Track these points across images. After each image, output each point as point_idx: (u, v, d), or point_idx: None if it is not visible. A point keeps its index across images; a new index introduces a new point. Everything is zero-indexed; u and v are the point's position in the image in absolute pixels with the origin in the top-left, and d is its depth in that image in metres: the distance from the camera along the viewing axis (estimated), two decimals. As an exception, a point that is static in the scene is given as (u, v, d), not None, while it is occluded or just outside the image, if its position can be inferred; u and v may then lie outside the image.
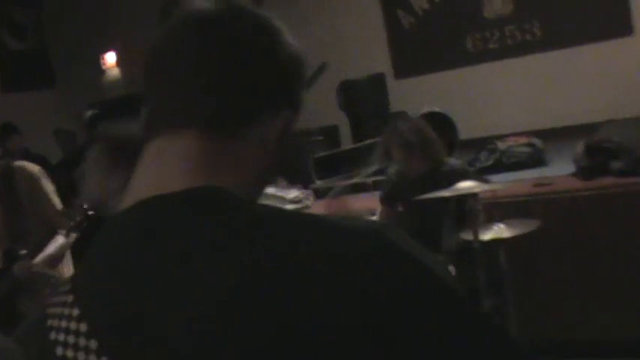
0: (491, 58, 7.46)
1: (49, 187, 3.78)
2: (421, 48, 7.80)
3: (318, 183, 6.15)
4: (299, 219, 0.85)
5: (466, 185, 3.67)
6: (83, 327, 0.82)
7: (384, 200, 4.54)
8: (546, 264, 4.61)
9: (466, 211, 3.73)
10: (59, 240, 3.61)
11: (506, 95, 7.29)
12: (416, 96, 7.26)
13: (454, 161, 4.47)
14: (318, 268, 0.77)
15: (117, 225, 0.89)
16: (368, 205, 4.84)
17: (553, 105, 7.03)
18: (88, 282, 0.87)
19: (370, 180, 5.81)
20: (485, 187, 3.75)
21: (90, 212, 3.40)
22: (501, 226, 3.89)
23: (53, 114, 9.98)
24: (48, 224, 3.59)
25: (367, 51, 7.88)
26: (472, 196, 3.75)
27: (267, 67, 0.94)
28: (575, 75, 7.00)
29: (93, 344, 0.81)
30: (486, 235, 3.86)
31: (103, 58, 11.02)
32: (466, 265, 3.87)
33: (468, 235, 3.87)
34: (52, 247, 3.63)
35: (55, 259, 3.70)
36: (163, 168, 0.90)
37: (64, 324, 0.84)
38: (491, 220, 4.10)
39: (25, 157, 5.53)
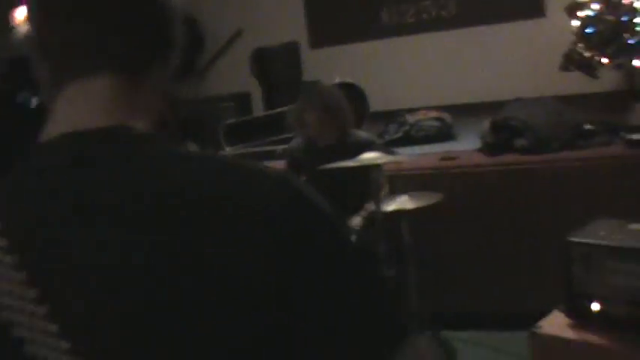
0: (406, 32, 7.49)
1: None
2: (337, 18, 7.76)
3: (228, 150, 6.08)
4: (209, 158, 0.92)
5: (370, 156, 3.68)
6: (3, 242, 0.86)
7: (288, 167, 4.52)
8: (449, 237, 4.69)
9: (370, 182, 3.74)
10: None
11: (418, 70, 7.34)
12: (330, 66, 7.23)
13: (361, 133, 4.48)
14: (226, 206, 0.84)
15: (41, 153, 0.94)
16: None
17: (464, 81, 7.12)
18: (11, 204, 0.91)
19: (280, 148, 5.77)
20: (389, 159, 3.76)
21: None
22: (405, 198, 3.94)
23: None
24: None
25: (283, 19, 7.80)
26: (376, 167, 3.78)
27: (164, 15, 1.00)
28: (487, 53, 7.10)
29: (9, 259, 0.85)
30: (389, 207, 3.91)
31: (11, 15, 10.58)
32: (369, 235, 3.89)
33: (371, 206, 3.91)
34: None
35: None
36: (82, 107, 0.94)
37: None
38: (394, 192, 4.14)
39: None
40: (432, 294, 4.28)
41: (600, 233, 2.70)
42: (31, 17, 1.03)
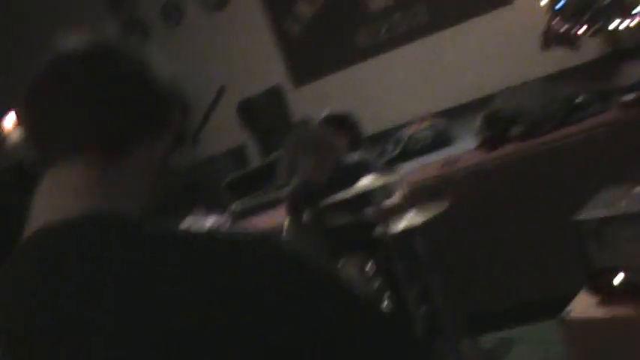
0: (383, 49, 7.47)
1: None
2: (313, 53, 7.77)
3: (234, 206, 6.06)
4: (187, 236, 0.94)
5: (365, 182, 3.63)
6: None
7: (289, 211, 4.46)
8: (465, 240, 4.64)
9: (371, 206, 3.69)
10: None
11: (403, 83, 7.31)
12: (316, 101, 7.20)
13: (354, 155, 4.44)
14: (213, 274, 0.86)
15: (19, 254, 0.94)
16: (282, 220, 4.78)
17: (450, 84, 7.08)
18: None
19: (283, 193, 5.74)
20: (382, 180, 3.70)
21: None
22: (412, 213, 3.88)
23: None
24: None
25: (262, 66, 7.80)
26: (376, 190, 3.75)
27: (139, 96, 1.03)
28: (466, 51, 7.06)
29: None
30: (399, 226, 3.85)
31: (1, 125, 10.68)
32: (384, 258, 3.83)
33: (381, 230, 3.86)
34: None
35: None
36: (58, 196, 0.96)
37: None
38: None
39: None
40: (460, 301, 4.23)
41: (606, 204, 2.63)
42: (20, 118, 1.04)
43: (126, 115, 1.00)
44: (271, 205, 5.86)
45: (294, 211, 4.35)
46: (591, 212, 2.61)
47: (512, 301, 4.53)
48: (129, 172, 1.01)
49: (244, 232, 0.97)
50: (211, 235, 0.97)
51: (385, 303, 3.57)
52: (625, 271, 2.54)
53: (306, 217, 4.37)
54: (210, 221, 5.68)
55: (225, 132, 7.58)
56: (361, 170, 3.89)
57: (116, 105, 1.00)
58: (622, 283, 2.54)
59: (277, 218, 5.16)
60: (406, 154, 5.61)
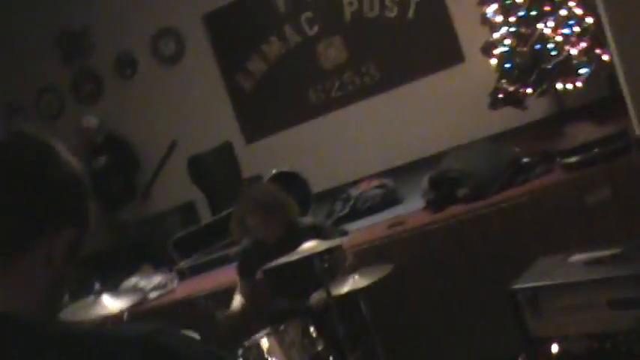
0: (335, 106, 7.54)
1: None
2: (266, 109, 7.81)
3: (182, 264, 6.00)
4: (79, 335, 0.94)
5: (308, 246, 3.61)
6: None
7: (240, 273, 4.43)
8: (409, 303, 4.63)
9: (319, 269, 3.66)
10: None
11: (354, 141, 7.38)
12: (268, 157, 7.25)
13: (306, 219, 4.44)
14: None
15: None
16: (232, 278, 4.74)
17: (400, 142, 7.15)
18: None
19: (233, 251, 5.70)
20: (326, 244, 3.69)
21: None
22: (356, 276, 3.86)
23: None
24: None
25: (215, 121, 7.83)
26: (326, 252, 3.74)
27: (41, 189, 0.99)
28: (416, 109, 7.16)
29: None
30: (343, 289, 3.83)
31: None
32: (328, 321, 3.79)
33: (317, 296, 3.85)
34: None
35: None
36: None
37: None
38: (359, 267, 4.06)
39: None
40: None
41: (542, 273, 2.65)
42: None
43: (19, 214, 0.98)
44: (220, 262, 5.81)
45: (247, 273, 4.33)
46: (526, 281, 2.63)
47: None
48: (24, 270, 0.98)
49: (135, 328, 0.97)
50: (99, 334, 0.96)
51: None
52: (561, 341, 2.55)
53: (255, 279, 4.35)
54: (156, 280, 5.61)
55: (175, 187, 7.56)
56: (312, 235, 3.87)
57: (16, 201, 0.98)
58: (559, 353, 2.55)
59: (226, 277, 5.13)
60: (355, 213, 5.61)
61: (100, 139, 7.98)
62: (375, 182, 5.81)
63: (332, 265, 4.12)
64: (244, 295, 4.35)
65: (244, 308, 4.26)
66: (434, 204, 4.78)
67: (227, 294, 4.53)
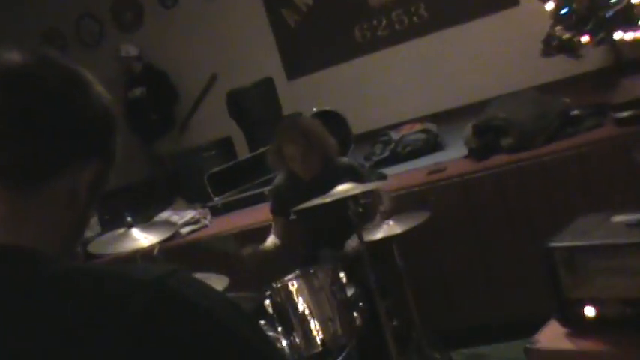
0: (381, 46, 7.43)
1: None
2: (310, 45, 7.72)
3: (216, 200, 6.04)
4: (92, 274, 0.91)
5: (344, 188, 3.59)
6: None
7: (273, 211, 4.45)
8: (445, 252, 4.62)
9: (353, 213, 3.64)
10: None
11: (399, 82, 7.27)
12: (309, 95, 7.21)
13: (343, 159, 4.42)
14: (103, 317, 0.86)
15: None
16: (266, 217, 4.77)
17: (446, 86, 7.04)
18: None
19: (267, 189, 5.72)
20: (362, 187, 3.67)
21: None
22: (391, 222, 3.86)
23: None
24: None
25: (256, 56, 7.78)
26: (363, 195, 3.74)
27: (65, 118, 0.97)
28: (465, 53, 7.02)
29: None
30: (377, 234, 3.83)
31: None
32: (359, 266, 3.80)
33: (353, 242, 3.86)
34: None
35: None
36: None
37: None
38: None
39: None
40: (433, 315, 4.22)
41: (581, 232, 2.60)
42: None
43: (43, 142, 0.95)
44: (255, 201, 5.83)
45: (281, 212, 4.34)
46: (564, 239, 2.59)
47: (487, 318, 4.51)
48: (46, 203, 0.96)
49: (146, 270, 0.94)
50: (105, 274, 0.92)
51: (357, 315, 3.55)
52: (596, 304, 2.51)
53: (289, 218, 4.37)
54: (189, 215, 5.66)
55: (213, 122, 7.58)
56: (349, 177, 3.85)
57: (42, 129, 0.95)
58: (593, 316, 2.52)
59: (260, 216, 5.15)
60: (395, 157, 5.58)
61: (138, 68, 8.01)
62: (418, 127, 5.75)
63: (367, 210, 4.13)
64: (277, 234, 4.37)
65: (276, 247, 4.28)
66: (476, 152, 4.73)
67: (260, 233, 4.56)
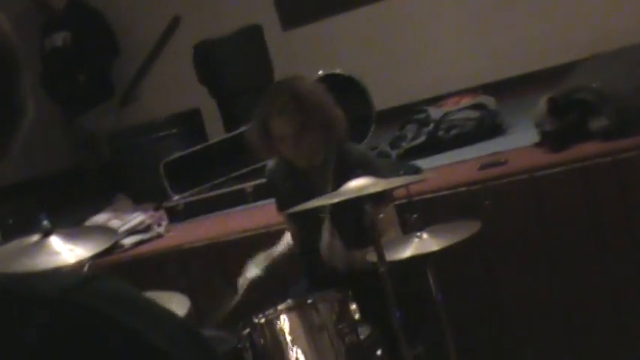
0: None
1: None
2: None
3: (176, 199, 6.03)
4: None
5: (357, 184, 3.55)
6: None
7: (278, 208, 4.44)
8: (502, 281, 4.63)
9: (369, 220, 3.61)
10: None
11: (440, 39, 7.30)
12: (312, 52, 7.24)
13: (355, 147, 4.40)
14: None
15: None
16: (245, 225, 4.75)
17: (508, 44, 7.06)
18: None
19: (249, 185, 5.71)
20: (383, 184, 3.63)
21: None
22: (424, 235, 3.81)
23: None
24: None
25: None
26: (373, 200, 3.69)
27: None
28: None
29: None
30: (405, 252, 3.78)
31: None
32: (379, 299, 3.76)
33: (373, 256, 3.80)
34: None
35: None
36: None
37: None
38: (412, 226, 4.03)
39: None
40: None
41: None
42: None
43: None
44: (232, 202, 5.85)
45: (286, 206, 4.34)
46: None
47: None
48: None
49: (51, 280, 0.97)
50: (5, 288, 0.97)
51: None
52: None
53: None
54: (135, 219, 5.64)
55: (173, 88, 7.58)
56: (366, 169, 3.83)
57: None
58: None
59: (242, 222, 5.16)
60: (434, 144, 5.57)
61: (61, 5, 7.96)
62: (468, 100, 5.74)
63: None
64: (291, 230, 4.41)
65: (291, 252, 4.37)
66: (554, 138, 4.71)
67: (242, 247, 4.55)
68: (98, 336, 0.91)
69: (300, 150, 4.16)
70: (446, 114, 5.66)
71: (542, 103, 4.81)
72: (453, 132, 5.58)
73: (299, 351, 3.43)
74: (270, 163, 4.46)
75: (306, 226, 4.27)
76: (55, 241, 3.82)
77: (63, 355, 0.89)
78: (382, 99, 6.13)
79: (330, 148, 4.20)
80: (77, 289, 0.94)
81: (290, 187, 4.06)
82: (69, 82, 7.88)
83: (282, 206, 4.34)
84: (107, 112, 8.05)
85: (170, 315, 1.00)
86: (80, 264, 3.82)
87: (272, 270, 4.19)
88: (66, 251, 3.79)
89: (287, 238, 4.39)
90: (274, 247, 4.35)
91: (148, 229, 5.61)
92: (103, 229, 5.02)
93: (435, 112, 5.69)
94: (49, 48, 7.86)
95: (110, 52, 8.09)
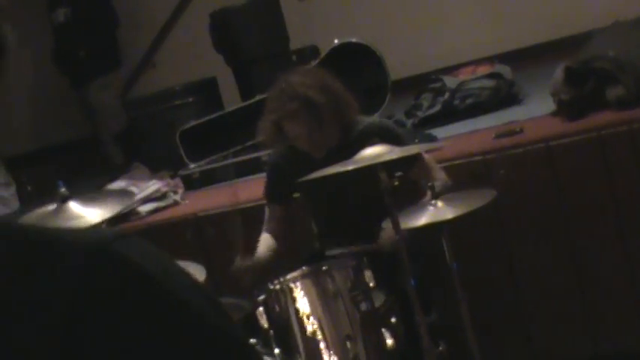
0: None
1: None
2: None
3: (192, 167, 6.03)
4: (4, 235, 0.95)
5: (372, 152, 3.56)
6: None
7: (269, 197, 4.42)
8: (516, 250, 4.62)
9: (385, 188, 3.62)
10: None
11: (453, 9, 7.28)
12: (329, 20, 7.22)
13: (368, 119, 4.39)
14: (23, 293, 0.89)
15: None
16: (261, 193, 4.76)
17: (525, 12, 7.03)
18: None
19: (265, 154, 5.70)
20: (398, 151, 3.64)
21: None
22: (439, 203, 3.82)
23: None
24: None
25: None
26: (400, 165, 3.71)
27: None
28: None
29: None
30: (420, 220, 3.79)
31: None
32: (393, 268, 3.77)
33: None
34: None
35: None
36: None
37: None
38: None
39: None
40: (496, 339, 4.18)
41: None
42: None
43: None
44: (248, 169, 5.86)
45: (279, 198, 4.33)
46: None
47: (581, 352, 4.52)
48: None
49: (87, 232, 1.00)
50: (35, 234, 0.97)
51: (387, 335, 3.53)
52: None
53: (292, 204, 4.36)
54: (151, 187, 5.64)
55: (189, 56, 7.56)
56: (381, 139, 3.84)
57: None
58: None
59: (255, 191, 5.16)
60: (450, 113, 5.57)
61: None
62: (484, 69, 5.72)
63: (405, 184, 4.08)
64: (272, 231, 4.33)
65: (274, 253, 4.26)
66: (570, 107, 4.70)
67: (256, 213, 4.57)
68: (135, 289, 0.91)
69: (316, 144, 4.19)
70: (461, 83, 5.65)
71: (558, 72, 4.80)
72: (469, 101, 5.57)
73: (313, 317, 3.45)
74: (276, 151, 4.48)
75: (321, 206, 4.29)
76: (72, 207, 3.87)
77: (99, 303, 0.89)
78: (398, 68, 6.12)
79: (345, 131, 4.21)
80: (111, 240, 0.93)
81: (302, 173, 3.97)
82: (73, 57, 7.88)
83: (280, 196, 4.37)
84: (113, 83, 8.03)
85: (195, 281, 0.99)
86: (99, 225, 3.86)
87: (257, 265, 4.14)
88: (85, 215, 3.84)
89: (264, 240, 4.32)
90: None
91: (164, 196, 5.62)
92: (121, 192, 5.06)
93: (450, 82, 5.68)
94: (55, 23, 7.86)
95: (109, 24, 8.02)
